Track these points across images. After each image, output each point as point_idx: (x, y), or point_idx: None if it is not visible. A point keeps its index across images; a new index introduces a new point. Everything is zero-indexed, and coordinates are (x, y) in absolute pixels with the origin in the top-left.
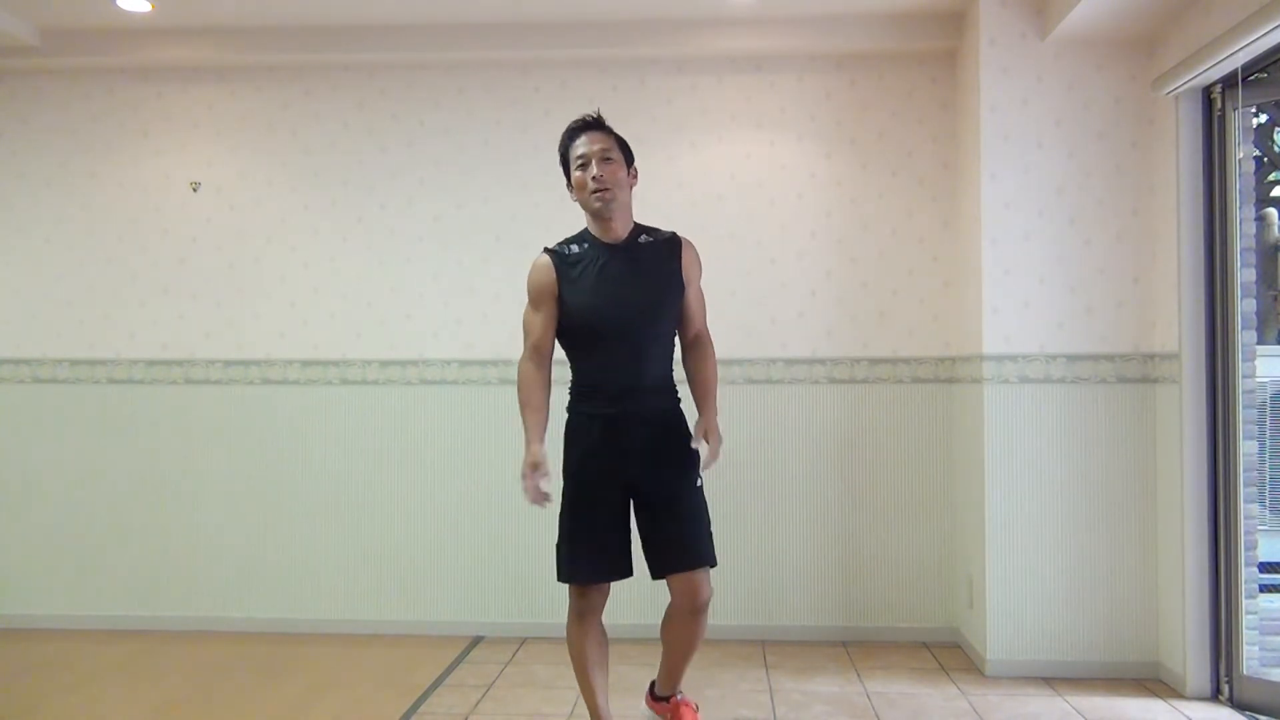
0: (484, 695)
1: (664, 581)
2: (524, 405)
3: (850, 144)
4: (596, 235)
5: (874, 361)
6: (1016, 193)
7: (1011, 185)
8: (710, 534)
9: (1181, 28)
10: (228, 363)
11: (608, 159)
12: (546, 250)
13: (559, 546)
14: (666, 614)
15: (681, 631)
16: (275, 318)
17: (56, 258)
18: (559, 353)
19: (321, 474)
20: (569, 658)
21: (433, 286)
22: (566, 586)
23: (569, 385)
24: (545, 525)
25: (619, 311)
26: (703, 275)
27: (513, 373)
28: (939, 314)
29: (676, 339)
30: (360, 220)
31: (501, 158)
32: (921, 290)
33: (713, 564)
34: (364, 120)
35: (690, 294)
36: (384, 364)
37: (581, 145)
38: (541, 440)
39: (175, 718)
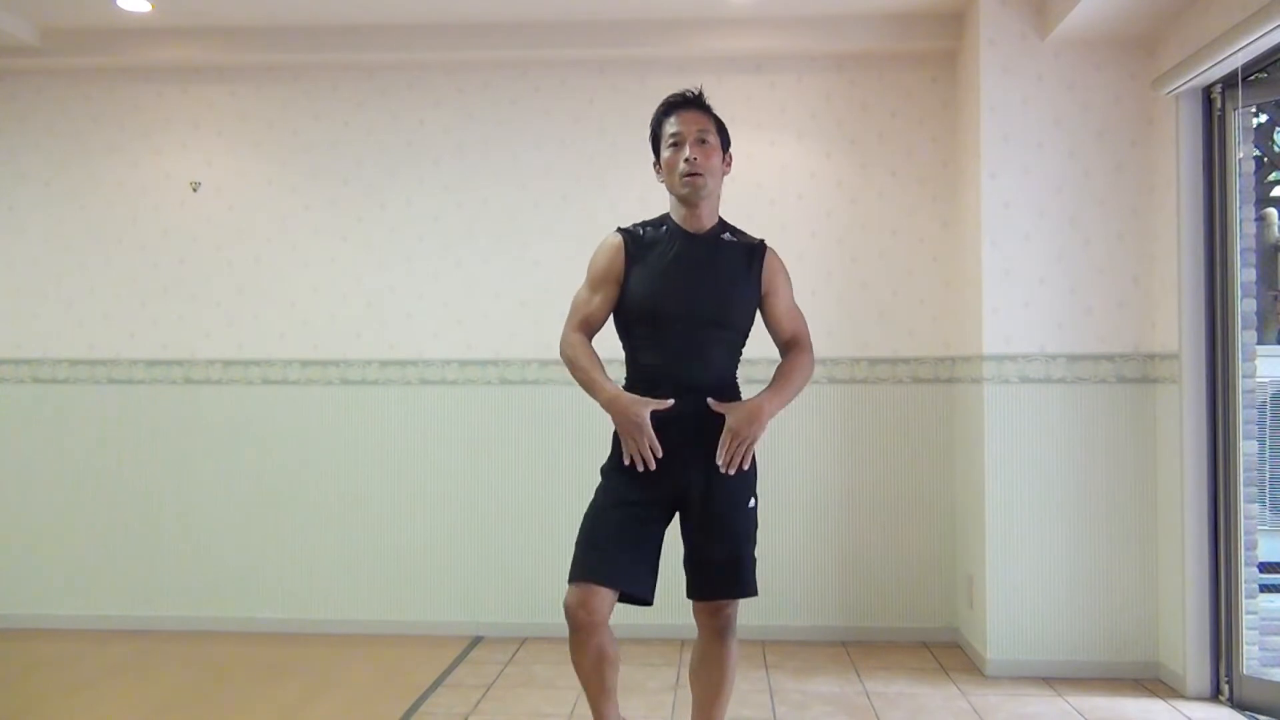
0: (484, 695)
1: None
2: (574, 362)
3: (850, 144)
4: (678, 221)
5: (874, 361)
6: (1016, 193)
7: (1011, 185)
8: (754, 559)
9: (1181, 28)
10: (228, 363)
11: (703, 141)
12: (620, 230)
13: (576, 544)
14: (693, 650)
15: (706, 664)
16: (275, 318)
17: (56, 258)
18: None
19: (321, 474)
20: (570, 665)
21: (433, 286)
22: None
23: (623, 382)
24: (546, 525)
25: (685, 299)
26: (792, 289)
27: (512, 373)
28: (939, 314)
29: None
30: (360, 220)
31: (501, 157)
32: (921, 290)
33: (753, 593)
34: (364, 120)
35: (779, 304)
36: (384, 364)
37: (676, 123)
38: (608, 380)
39: (175, 718)
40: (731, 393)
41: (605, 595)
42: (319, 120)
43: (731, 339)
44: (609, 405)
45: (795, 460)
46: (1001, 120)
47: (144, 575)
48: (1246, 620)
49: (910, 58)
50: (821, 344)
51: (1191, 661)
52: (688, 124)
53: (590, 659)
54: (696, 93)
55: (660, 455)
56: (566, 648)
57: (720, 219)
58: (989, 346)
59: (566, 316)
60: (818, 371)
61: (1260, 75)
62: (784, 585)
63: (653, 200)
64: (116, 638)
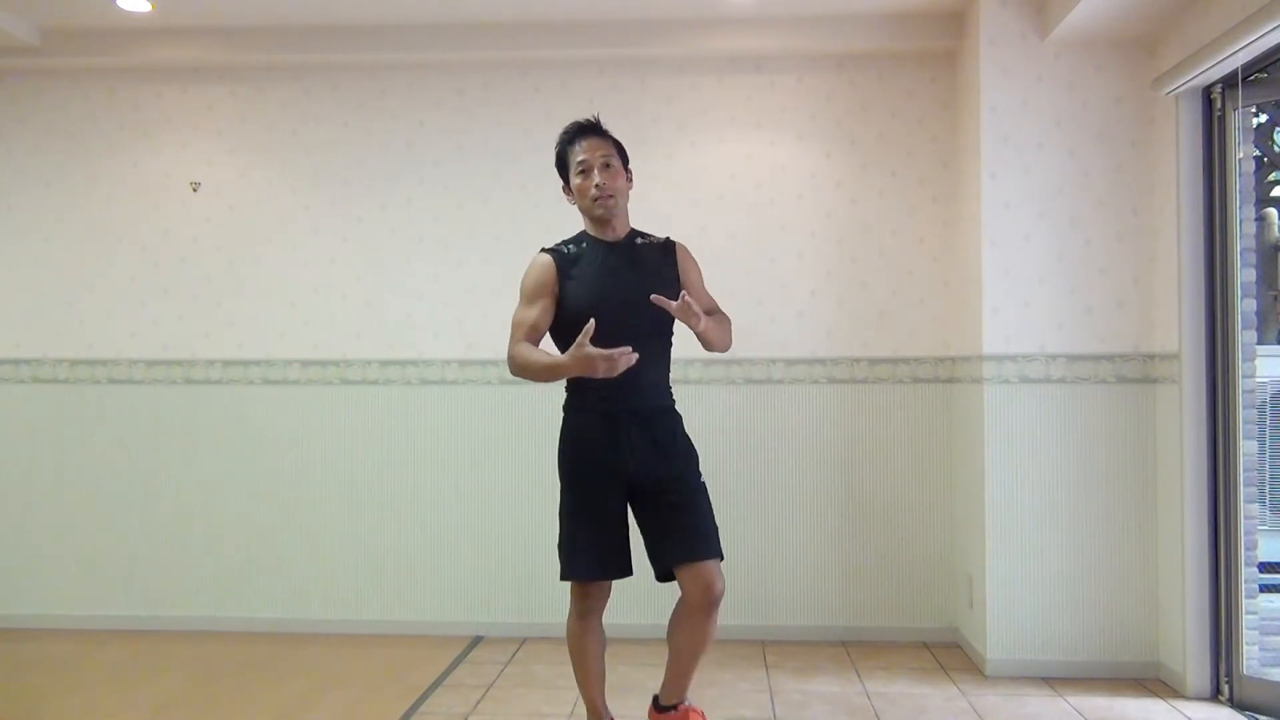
0: (484, 695)
1: (664, 583)
2: (525, 364)
3: (850, 144)
4: (596, 236)
5: (874, 361)
6: (1016, 193)
7: (1011, 185)
8: (716, 527)
9: (1181, 28)
10: (228, 363)
11: (608, 165)
12: (545, 250)
13: (561, 546)
14: (676, 614)
15: (693, 631)
16: (275, 318)
17: (56, 258)
18: None
19: (321, 474)
20: (568, 656)
21: (433, 286)
22: (567, 586)
23: (564, 386)
24: (546, 525)
25: (619, 302)
26: (702, 275)
27: None
28: (939, 314)
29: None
30: (360, 220)
31: (501, 158)
32: (921, 290)
33: (721, 557)
34: (364, 120)
35: (693, 285)
36: (384, 364)
37: (582, 151)
38: (558, 355)
39: (175, 718)
40: (666, 389)
41: (604, 585)
42: (319, 121)
43: (664, 334)
44: (572, 365)
45: (795, 460)
46: (1001, 120)
47: (144, 575)
48: (1246, 620)
49: (910, 58)
50: (821, 344)
51: (1191, 661)
52: (591, 151)
53: (597, 642)
54: (595, 120)
55: (618, 357)
56: (566, 648)
57: (631, 228)
58: (989, 346)
59: (509, 339)
60: (818, 371)
61: (1260, 75)
62: (784, 585)
63: (652, 200)
64: (116, 638)
